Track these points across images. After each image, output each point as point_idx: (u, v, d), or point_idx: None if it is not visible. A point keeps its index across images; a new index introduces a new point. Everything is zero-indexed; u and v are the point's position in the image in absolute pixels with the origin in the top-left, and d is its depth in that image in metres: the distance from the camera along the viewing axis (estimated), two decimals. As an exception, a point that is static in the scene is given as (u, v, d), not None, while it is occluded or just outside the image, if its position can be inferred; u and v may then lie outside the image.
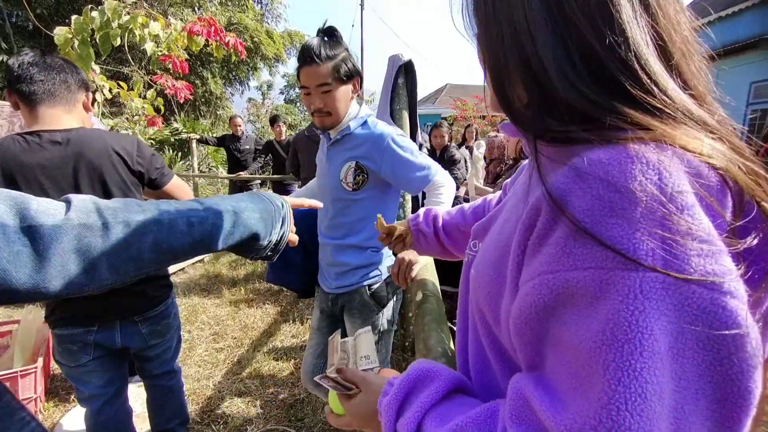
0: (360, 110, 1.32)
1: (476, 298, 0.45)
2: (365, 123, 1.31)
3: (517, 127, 0.41)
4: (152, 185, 1.28)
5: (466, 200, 3.09)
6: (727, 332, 0.26)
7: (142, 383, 1.46)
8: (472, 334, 0.50)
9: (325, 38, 1.22)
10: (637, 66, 0.33)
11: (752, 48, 7.42)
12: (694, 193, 0.29)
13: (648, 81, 0.33)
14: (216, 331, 2.78)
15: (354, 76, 1.26)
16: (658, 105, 0.33)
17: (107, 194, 1.15)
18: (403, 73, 1.99)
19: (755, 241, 0.29)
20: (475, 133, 5.52)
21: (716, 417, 0.28)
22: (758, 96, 7.53)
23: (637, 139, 0.31)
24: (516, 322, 0.34)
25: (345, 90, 1.24)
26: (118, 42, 2.40)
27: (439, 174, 1.29)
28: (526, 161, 0.60)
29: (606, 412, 0.27)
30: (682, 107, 0.34)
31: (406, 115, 2.00)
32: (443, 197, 1.30)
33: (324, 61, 1.18)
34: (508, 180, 0.67)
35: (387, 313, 1.39)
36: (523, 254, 0.35)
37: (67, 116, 1.15)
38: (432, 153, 3.74)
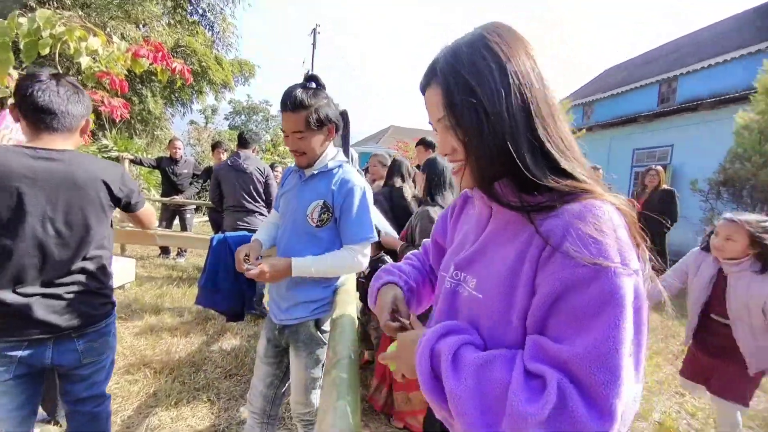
0: (337, 154, 1.39)
1: (481, 312, 0.61)
2: (340, 167, 1.38)
3: (503, 207, 0.60)
4: (128, 209, 1.38)
5: None
6: (638, 300, 0.50)
7: (46, 422, 1.34)
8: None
9: (306, 86, 1.28)
10: (570, 157, 0.58)
11: (633, 122, 9.64)
12: (623, 225, 0.53)
13: (572, 167, 0.57)
14: (131, 362, 2.57)
15: (327, 124, 1.31)
16: (583, 179, 0.57)
17: (82, 215, 1.21)
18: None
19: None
20: None
21: (634, 351, 0.49)
22: (638, 160, 9.62)
23: (590, 197, 0.54)
24: (535, 307, 0.53)
25: (318, 137, 1.31)
26: (47, 51, 2.30)
27: (368, 248, 1.39)
28: (463, 193, 0.82)
29: (598, 342, 0.47)
30: (592, 181, 0.58)
31: None
32: (355, 262, 1.36)
33: (297, 110, 1.24)
34: (441, 211, 0.85)
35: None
36: (537, 264, 0.54)
37: (63, 141, 1.22)
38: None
